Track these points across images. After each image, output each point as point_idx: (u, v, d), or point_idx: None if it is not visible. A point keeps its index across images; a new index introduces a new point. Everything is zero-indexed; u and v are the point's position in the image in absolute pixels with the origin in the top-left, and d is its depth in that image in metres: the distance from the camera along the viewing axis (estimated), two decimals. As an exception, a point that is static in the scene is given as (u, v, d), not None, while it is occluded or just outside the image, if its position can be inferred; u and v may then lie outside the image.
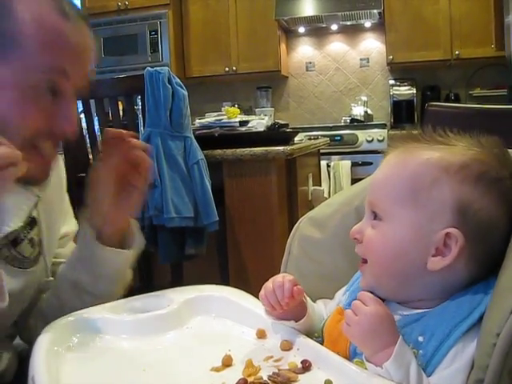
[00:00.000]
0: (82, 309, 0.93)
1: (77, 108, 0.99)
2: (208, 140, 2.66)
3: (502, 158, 0.80)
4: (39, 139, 0.94)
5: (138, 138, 1.07)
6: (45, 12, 0.91)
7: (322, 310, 0.91)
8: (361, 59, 5.56)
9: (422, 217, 0.76)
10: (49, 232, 1.12)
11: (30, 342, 0.85)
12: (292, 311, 0.84)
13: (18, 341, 1.12)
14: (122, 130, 1.06)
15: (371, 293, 0.78)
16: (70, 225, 1.24)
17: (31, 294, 1.08)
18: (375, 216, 0.81)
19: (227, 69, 5.36)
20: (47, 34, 0.90)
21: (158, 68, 2.40)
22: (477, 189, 0.75)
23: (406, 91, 5.19)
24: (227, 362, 0.76)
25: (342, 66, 5.61)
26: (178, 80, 2.46)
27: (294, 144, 2.86)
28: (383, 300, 0.77)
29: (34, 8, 0.90)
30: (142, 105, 2.47)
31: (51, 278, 1.12)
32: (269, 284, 0.84)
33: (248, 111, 4.88)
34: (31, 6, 0.90)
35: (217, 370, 0.75)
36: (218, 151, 2.59)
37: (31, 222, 1.06)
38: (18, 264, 1.01)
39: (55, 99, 0.93)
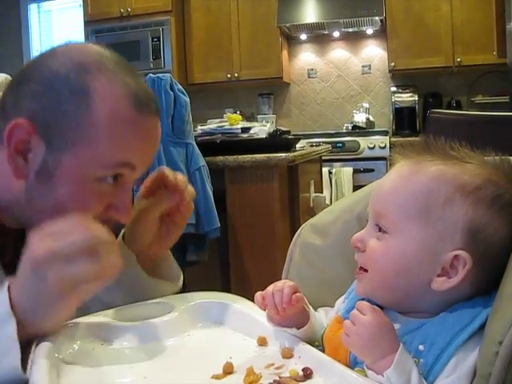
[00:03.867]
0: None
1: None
2: (210, 146, 2.67)
3: None
4: None
5: (187, 182, 1.06)
6: (121, 106, 0.89)
7: (322, 318, 0.90)
8: (363, 66, 5.57)
9: (432, 235, 0.75)
10: None
11: None
12: (293, 318, 0.84)
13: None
14: (178, 181, 1.04)
15: (368, 301, 0.77)
16: None
17: None
18: (381, 227, 0.79)
19: (229, 75, 5.37)
20: (120, 129, 0.89)
21: (160, 74, 2.41)
22: (490, 212, 0.74)
23: (407, 98, 5.19)
24: (228, 370, 0.76)
25: (344, 73, 5.62)
26: (180, 86, 2.47)
27: (296, 151, 2.86)
28: (382, 308, 0.77)
29: (109, 101, 0.88)
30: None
31: None
32: (269, 288, 0.84)
33: (250, 118, 4.90)
34: (108, 99, 0.88)
35: (218, 377, 0.75)
36: (220, 158, 2.60)
37: None
38: None
39: (115, 187, 0.92)
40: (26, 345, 0.78)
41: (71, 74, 0.88)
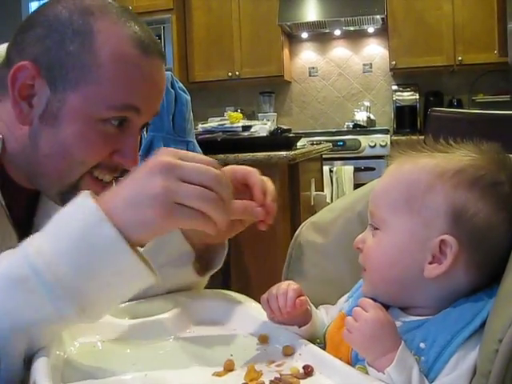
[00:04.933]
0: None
1: (139, 140, 0.97)
2: (210, 145, 2.67)
3: (501, 162, 0.79)
4: (99, 170, 0.93)
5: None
6: (124, 46, 0.89)
7: (323, 316, 0.90)
8: (364, 64, 5.57)
9: (417, 224, 0.76)
10: None
11: None
12: (295, 318, 0.84)
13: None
14: (267, 200, 0.91)
15: (373, 299, 0.78)
16: None
17: None
18: (374, 225, 0.81)
19: (230, 74, 5.37)
20: (124, 70, 0.89)
21: (161, 73, 2.40)
22: (471, 193, 0.75)
23: (408, 97, 5.20)
24: (229, 367, 0.76)
25: (345, 72, 5.62)
26: (181, 85, 2.47)
27: (297, 149, 2.86)
28: (387, 307, 0.77)
29: (113, 41, 0.88)
30: (144, 109, 2.47)
31: None
32: (273, 290, 0.84)
33: (251, 116, 4.90)
34: (111, 39, 0.88)
35: (219, 374, 0.75)
36: (221, 156, 2.59)
37: None
38: None
39: (121, 132, 0.91)
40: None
41: (74, 16, 0.88)
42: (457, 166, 0.77)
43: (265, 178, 0.96)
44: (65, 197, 0.90)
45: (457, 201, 0.75)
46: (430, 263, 0.75)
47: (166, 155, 0.74)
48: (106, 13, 0.90)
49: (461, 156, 0.79)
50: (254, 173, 0.95)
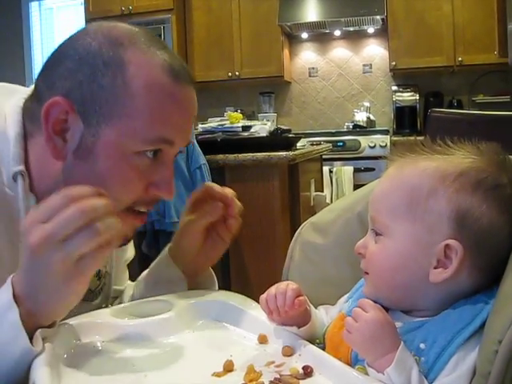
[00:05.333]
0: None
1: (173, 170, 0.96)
2: (210, 145, 2.67)
3: (502, 164, 0.79)
4: (136, 205, 0.92)
5: (234, 195, 1.05)
6: (156, 75, 0.87)
7: (323, 316, 0.90)
8: (364, 65, 5.57)
9: (421, 229, 0.76)
10: (118, 261, 1.12)
11: None
12: (295, 318, 0.84)
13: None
14: (225, 192, 1.03)
15: (374, 301, 0.78)
16: (131, 250, 1.23)
17: None
18: (376, 231, 0.81)
19: (230, 74, 5.37)
20: (158, 99, 0.87)
21: (161, 73, 2.40)
22: (474, 197, 0.75)
23: (408, 97, 5.19)
24: (229, 368, 0.76)
25: (345, 72, 5.62)
26: (181, 85, 2.46)
27: (297, 149, 2.86)
28: (387, 309, 0.77)
29: (144, 71, 0.87)
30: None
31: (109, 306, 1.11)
32: (272, 290, 0.84)
33: (251, 116, 4.90)
34: (142, 69, 0.87)
35: (218, 375, 0.75)
36: (221, 156, 2.60)
37: None
38: (84, 298, 1.01)
39: (155, 163, 0.90)
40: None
41: (104, 48, 0.86)
42: (458, 168, 0.76)
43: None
44: None
45: (460, 205, 0.74)
46: (435, 268, 0.75)
47: (31, 233, 0.74)
48: (135, 42, 0.88)
49: (461, 158, 0.78)
50: (213, 186, 1.05)
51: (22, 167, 0.89)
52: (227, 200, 1.02)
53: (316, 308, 0.91)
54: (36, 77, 0.94)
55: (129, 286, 1.20)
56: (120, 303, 1.12)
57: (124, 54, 0.86)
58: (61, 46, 0.92)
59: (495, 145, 0.81)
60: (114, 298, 1.13)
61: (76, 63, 0.87)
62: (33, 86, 0.96)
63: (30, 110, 0.93)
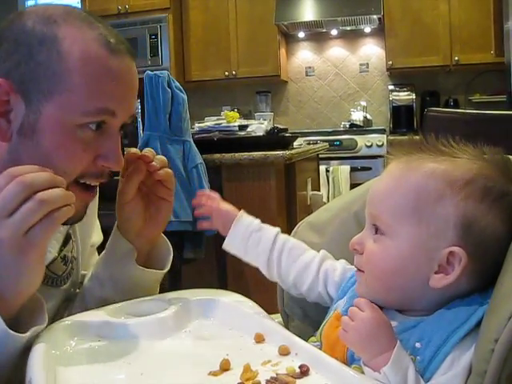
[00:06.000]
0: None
1: (121, 142, 0.96)
2: (207, 144, 2.66)
3: (507, 171, 0.78)
4: (86, 178, 0.93)
5: (154, 153, 1.05)
6: (91, 48, 0.88)
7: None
8: (360, 64, 5.58)
9: (425, 233, 0.75)
10: (83, 247, 1.12)
11: None
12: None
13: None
14: (140, 153, 1.03)
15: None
16: (97, 235, 1.23)
17: (61, 309, 1.08)
18: (377, 229, 0.80)
19: (227, 73, 5.37)
20: (94, 72, 0.88)
21: (157, 72, 2.40)
22: (482, 205, 0.74)
23: (405, 96, 5.20)
24: (225, 367, 0.76)
25: (342, 71, 5.62)
26: (178, 84, 2.46)
27: (293, 149, 2.86)
28: (381, 307, 0.77)
29: (79, 45, 0.87)
30: (141, 108, 2.47)
31: (78, 291, 1.12)
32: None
33: (247, 115, 4.89)
34: (77, 43, 0.87)
35: (215, 374, 0.75)
36: (217, 155, 2.59)
37: (65, 239, 1.05)
38: (51, 283, 1.01)
39: (100, 136, 0.91)
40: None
41: (38, 26, 0.87)
42: (466, 175, 0.75)
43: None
44: None
45: (468, 213, 0.74)
46: (436, 273, 0.75)
47: None
48: (70, 19, 0.89)
49: (468, 163, 0.77)
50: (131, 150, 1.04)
51: None
52: (145, 158, 1.01)
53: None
54: None
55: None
56: None
57: (58, 31, 0.87)
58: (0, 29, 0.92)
59: (498, 149, 0.80)
60: (82, 284, 1.13)
61: (12, 44, 0.88)
62: None
63: None
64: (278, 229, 0.96)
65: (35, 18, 0.88)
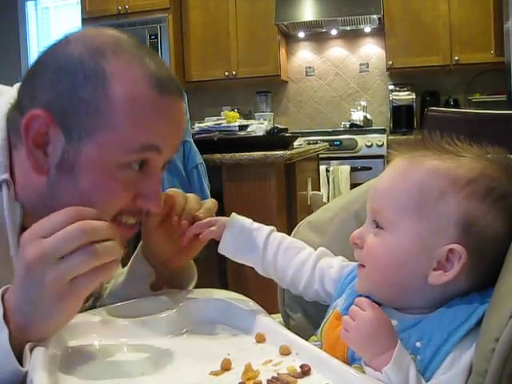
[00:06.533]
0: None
1: (162, 179, 0.92)
2: (207, 144, 2.66)
3: (510, 172, 0.78)
4: (124, 216, 0.89)
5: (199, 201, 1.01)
6: (140, 88, 0.84)
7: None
8: (360, 64, 5.58)
9: (426, 230, 0.75)
10: None
11: None
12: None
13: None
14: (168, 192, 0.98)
15: (367, 297, 0.78)
16: None
17: None
18: (377, 224, 0.80)
19: (227, 73, 5.37)
20: (141, 112, 0.84)
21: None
22: (484, 205, 0.74)
23: (405, 96, 5.20)
24: (226, 366, 0.76)
25: (342, 71, 5.62)
26: (178, 84, 2.46)
27: (293, 149, 2.86)
28: (379, 305, 0.77)
29: (127, 84, 0.83)
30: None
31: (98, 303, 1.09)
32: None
33: (247, 115, 4.89)
34: (125, 82, 0.83)
35: (216, 374, 0.75)
36: (217, 155, 2.59)
37: None
38: None
39: (142, 174, 0.87)
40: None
41: (85, 59, 0.83)
42: (469, 174, 0.76)
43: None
44: None
45: (469, 211, 0.74)
46: (435, 270, 0.75)
47: (29, 247, 0.73)
48: (119, 52, 0.85)
49: (471, 162, 0.78)
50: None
51: (6, 176, 0.87)
52: (169, 199, 0.97)
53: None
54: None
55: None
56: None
57: (106, 66, 0.83)
58: (43, 55, 0.88)
59: (502, 150, 0.81)
60: (102, 297, 1.12)
61: (56, 74, 0.84)
62: (17, 85, 0.93)
63: (12, 120, 0.90)
64: (270, 228, 0.96)
65: (82, 47, 0.84)
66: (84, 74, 0.83)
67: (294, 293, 0.96)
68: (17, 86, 0.94)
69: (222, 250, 0.95)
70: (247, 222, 0.96)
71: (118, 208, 0.87)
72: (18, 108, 0.89)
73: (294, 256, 0.93)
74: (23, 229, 0.84)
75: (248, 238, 0.94)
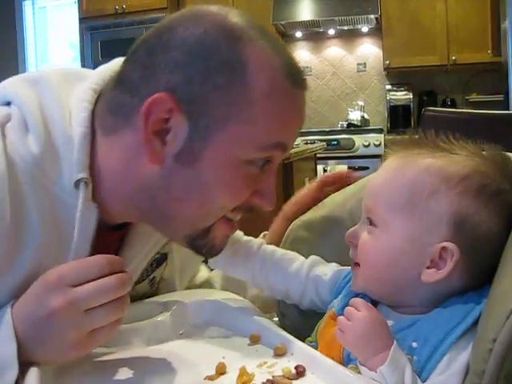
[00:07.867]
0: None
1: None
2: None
3: (504, 169, 0.78)
4: (235, 212, 0.84)
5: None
6: (277, 78, 0.78)
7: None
8: (358, 64, 5.58)
9: (418, 228, 0.75)
10: (182, 268, 1.06)
11: None
12: None
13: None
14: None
15: (363, 297, 0.78)
16: (203, 270, 1.19)
17: None
18: (371, 221, 0.80)
19: (224, 73, 5.36)
20: (279, 106, 0.78)
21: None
22: (476, 202, 0.74)
23: (402, 96, 5.21)
24: (221, 370, 0.75)
25: (339, 71, 5.62)
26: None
27: (291, 148, 2.86)
28: (375, 304, 0.77)
29: (266, 74, 0.77)
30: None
31: None
32: None
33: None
34: (264, 72, 0.77)
35: (211, 378, 0.74)
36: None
37: (160, 259, 1.00)
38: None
39: (261, 171, 0.81)
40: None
41: (221, 41, 0.76)
42: (462, 171, 0.75)
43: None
44: (194, 241, 0.85)
45: (462, 209, 0.74)
46: (428, 268, 0.75)
47: (56, 294, 0.71)
48: (254, 37, 0.78)
49: (465, 159, 0.77)
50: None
51: (84, 174, 0.80)
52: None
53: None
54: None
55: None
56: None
57: (243, 52, 0.76)
58: (160, 31, 0.80)
59: (498, 147, 0.80)
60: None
61: (186, 55, 0.76)
62: (101, 69, 0.87)
63: (115, 102, 0.82)
64: (260, 241, 0.96)
65: (216, 29, 0.77)
66: (220, 58, 0.76)
67: (289, 303, 0.96)
68: (99, 70, 0.89)
69: (212, 263, 0.95)
70: (238, 234, 0.95)
71: (235, 205, 0.82)
72: (126, 89, 0.81)
73: (285, 269, 0.93)
74: (98, 229, 0.82)
75: (238, 252, 0.94)
